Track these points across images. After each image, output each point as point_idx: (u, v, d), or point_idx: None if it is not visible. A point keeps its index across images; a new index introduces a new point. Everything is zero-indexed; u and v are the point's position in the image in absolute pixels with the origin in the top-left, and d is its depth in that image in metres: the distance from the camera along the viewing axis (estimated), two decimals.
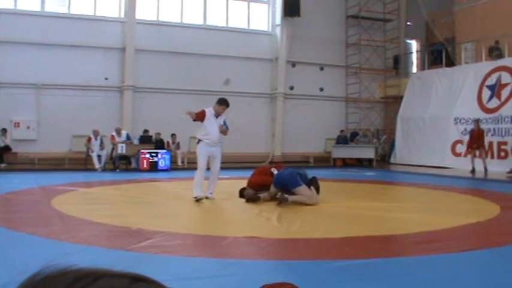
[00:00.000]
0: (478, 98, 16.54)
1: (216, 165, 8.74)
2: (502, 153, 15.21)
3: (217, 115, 8.57)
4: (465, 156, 16.25)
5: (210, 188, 8.74)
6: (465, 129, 16.57)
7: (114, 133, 15.74)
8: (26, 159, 16.13)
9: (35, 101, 16.81)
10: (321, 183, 8.76)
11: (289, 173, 8.47)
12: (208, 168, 8.74)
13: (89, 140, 15.59)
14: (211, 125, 8.50)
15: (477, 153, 14.72)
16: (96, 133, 15.60)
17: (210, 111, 8.58)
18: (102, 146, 15.63)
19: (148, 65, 17.87)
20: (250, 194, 8.50)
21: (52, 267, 0.51)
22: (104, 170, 15.15)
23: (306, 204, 7.97)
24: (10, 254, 4.73)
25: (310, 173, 8.90)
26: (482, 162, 14.49)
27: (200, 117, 8.53)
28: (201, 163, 8.50)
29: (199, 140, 8.59)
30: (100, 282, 0.48)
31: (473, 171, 14.54)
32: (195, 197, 8.39)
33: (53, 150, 16.58)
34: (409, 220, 6.84)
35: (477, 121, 15.05)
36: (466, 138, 16.48)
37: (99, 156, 15.62)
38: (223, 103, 8.62)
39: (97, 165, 15.21)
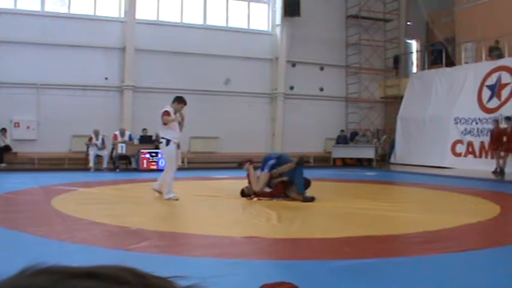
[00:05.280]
0: (478, 98, 16.53)
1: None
2: (502, 153, 15.17)
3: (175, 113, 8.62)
4: (467, 155, 16.28)
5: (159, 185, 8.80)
6: (465, 129, 16.58)
7: (117, 132, 15.82)
8: (26, 159, 16.12)
9: (35, 101, 16.81)
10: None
11: (266, 158, 9.05)
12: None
13: (90, 139, 15.61)
14: (175, 124, 8.56)
15: (498, 153, 14.53)
16: (96, 133, 15.63)
17: (172, 111, 8.55)
18: (103, 146, 15.67)
19: (148, 65, 17.86)
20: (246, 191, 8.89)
21: (36, 265, 0.50)
22: (97, 170, 15.16)
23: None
24: (10, 254, 4.72)
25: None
26: (502, 162, 14.31)
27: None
28: (174, 164, 8.69)
29: (168, 141, 8.48)
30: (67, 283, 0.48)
31: (496, 171, 14.25)
32: (173, 198, 8.42)
33: (53, 150, 16.57)
34: (409, 220, 6.84)
35: (497, 121, 14.83)
36: (467, 138, 16.51)
37: (99, 156, 15.65)
38: (182, 101, 8.64)
39: (91, 164, 15.27)
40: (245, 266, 4.44)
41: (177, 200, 8.44)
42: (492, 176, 13.90)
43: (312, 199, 8.49)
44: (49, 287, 0.47)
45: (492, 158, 14.93)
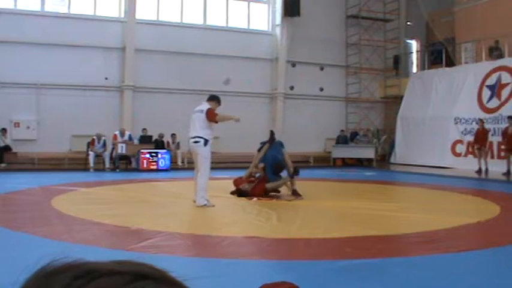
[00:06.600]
0: (478, 98, 16.54)
1: None
2: (502, 153, 15.19)
3: None
4: (467, 155, 16.31)
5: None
6: (465, 129, 16.57)
7: (117, 132, 15.80)
8: (26, 159, 16.10)
9: (35, 101, 16.80)
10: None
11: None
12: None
13: (92, 143, 15.56)
14: (214, 124, 8.14)
15: (481, 153, 14.72)
16: (99, 137, 15.62)
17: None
18: (104, 149, 15.67)
19: (148, 65, 17.86)
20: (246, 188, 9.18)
21: (57, 262, 0.50)
22: (97, 170, 15.16)
23: None
24: (10, 254, 4.73)
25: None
26: (484, 162, 14.53)
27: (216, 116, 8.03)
28: (209, 167, 7.92)
29: (206, 141, 7.82)
30: (97, 282, 0.47)
31: (479, 171, 14.48)
32: (208, 205, 7.79)
33: (53, 150, 16.56)
34: (409, 220, 6.84)
35: (482, 121, 15.02)
36: (467, 138, 16.50)
37: (99, 156, 15.64)
38: (220, 102, 8.39)
39: (91, 164, 15.27)
40: (245, 266, 4.44)
41: (213, 206, 7.82)
42: (493, 176, 13.93)
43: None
44: None
45: (484, 158, 14.98)
